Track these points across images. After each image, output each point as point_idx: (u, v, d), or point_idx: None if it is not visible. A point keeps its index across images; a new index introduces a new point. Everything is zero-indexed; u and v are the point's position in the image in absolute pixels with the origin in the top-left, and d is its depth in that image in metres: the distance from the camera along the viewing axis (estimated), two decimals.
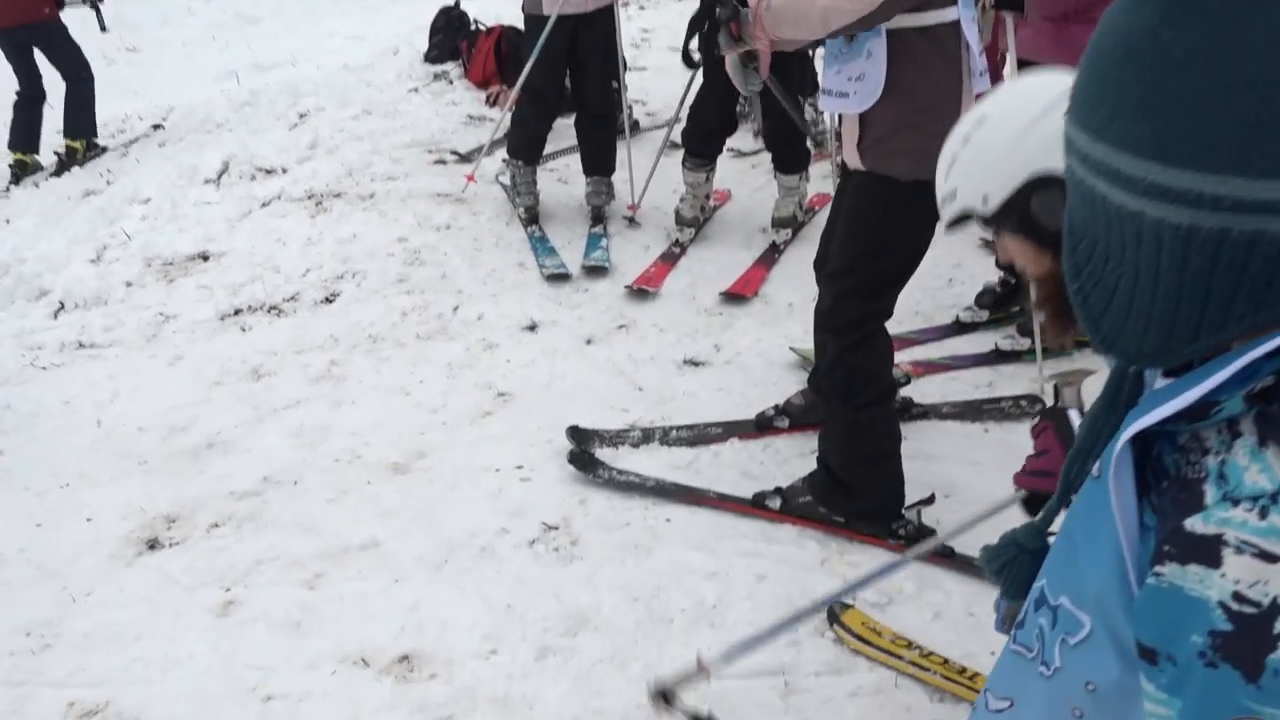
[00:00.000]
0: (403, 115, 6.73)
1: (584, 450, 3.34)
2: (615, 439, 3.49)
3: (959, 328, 4.20)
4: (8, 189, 6.14)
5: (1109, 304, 0.87)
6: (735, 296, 4.50)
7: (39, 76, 6.31)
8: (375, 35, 8.98)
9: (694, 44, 6.37)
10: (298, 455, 3.51)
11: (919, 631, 2.63)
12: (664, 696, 2.19)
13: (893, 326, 4.09)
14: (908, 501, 2.98)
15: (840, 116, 2.90)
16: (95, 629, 2.77)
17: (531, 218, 5.19)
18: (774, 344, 4.14)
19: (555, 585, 2.84)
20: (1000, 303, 4.21)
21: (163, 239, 5.18)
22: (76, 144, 6.34)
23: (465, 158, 6.07)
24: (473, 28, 7.80)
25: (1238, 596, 0.76)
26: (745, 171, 5.86)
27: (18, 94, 6.31)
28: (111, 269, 4.92)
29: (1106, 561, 0.92)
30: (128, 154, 6.28)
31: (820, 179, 5.39)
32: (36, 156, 6.36)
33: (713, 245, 5.00)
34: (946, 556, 2.88)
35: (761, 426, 3.51)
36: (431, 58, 7.92)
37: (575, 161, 5.44)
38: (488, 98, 7.11)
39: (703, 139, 4.92)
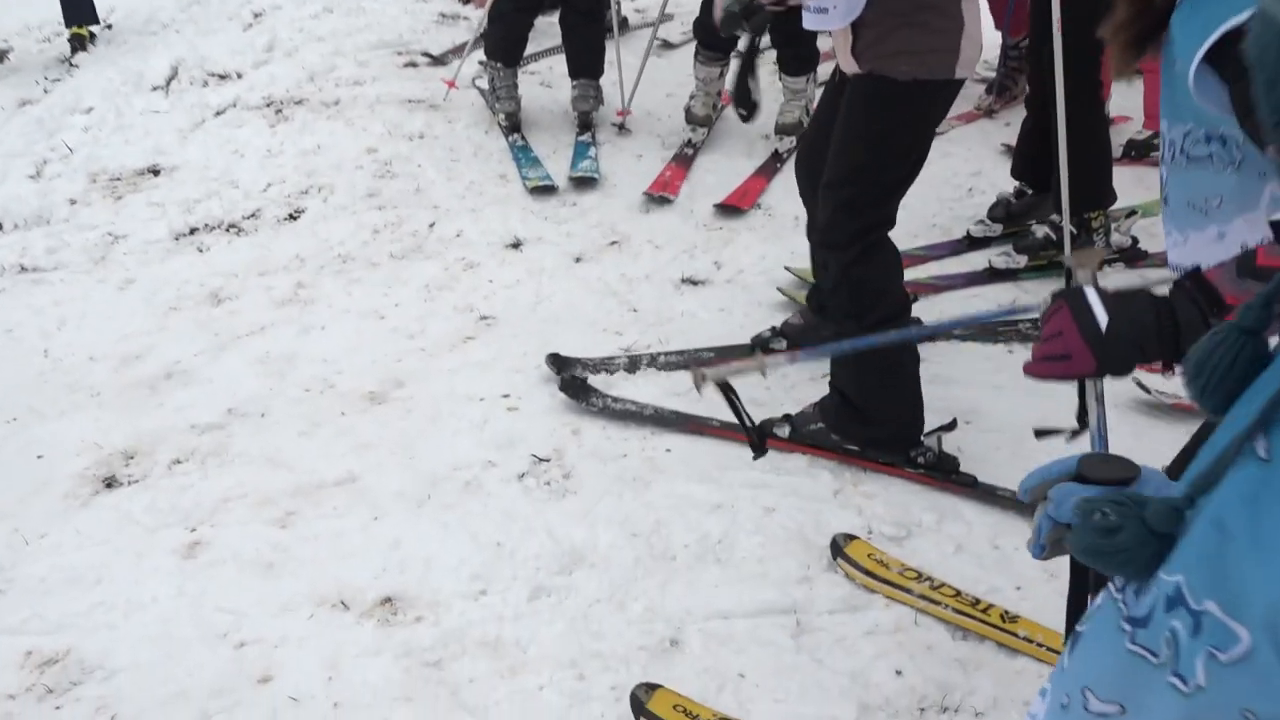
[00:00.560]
0: (368, 13, 6.58)
1: (575, 377, 3.31)
2: (599, 367, 3.46)
3: (970, 243, 4.17)
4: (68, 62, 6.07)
5: None
6: (730, 209, 4.45)
7: None
8: None
9: None
10: (264, 385, 3.49)
11: (939, 566, 2.64)
12: (722, 386, 2.06)
13: (898, 243, 4.11)
14: (927, 427, 2.97)
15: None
16: (51, 573, 2.76)
17: (513, 125, 5.10)
18: (779, 260, 4.10)
19: (547, 521, 2.84)
20: (1015, 216, 4.17)
21: (108, 152, 5.10)
22: (83, 30, 6.21)
23: (438, 60, 5.96)
24: None
25: None
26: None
27: None
28: (53, 185, 4.83)
29: None
30: (69, 61, 6.14)
31: None
32: (94, 27, 6.27)
33: (713, 152, 4.94)
34: (968, 485, 2.89)
35: (759, 349, 3.50)
36: None
37: (560, 63, 5.34)
38: None
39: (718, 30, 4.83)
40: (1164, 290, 1.49)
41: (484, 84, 5.38)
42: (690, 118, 4.99)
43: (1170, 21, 1.52)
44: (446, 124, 5.23)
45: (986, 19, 3.75)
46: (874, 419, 2.94)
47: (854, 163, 2.82)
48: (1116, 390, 3.18)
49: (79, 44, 6.18)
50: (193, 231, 4.48)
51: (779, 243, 4.22)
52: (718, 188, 4.61)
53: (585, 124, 5.13)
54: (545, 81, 5.71)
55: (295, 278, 4.10)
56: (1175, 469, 1.64)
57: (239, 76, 5.80)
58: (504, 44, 5.06)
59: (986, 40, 3.00)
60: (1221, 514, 0.90)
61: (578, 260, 4.16)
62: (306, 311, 3.90)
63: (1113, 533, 0.99)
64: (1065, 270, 1.65)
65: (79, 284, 4.16)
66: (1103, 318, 1.48)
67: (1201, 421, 1.72)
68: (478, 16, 5.74)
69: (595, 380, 3.39)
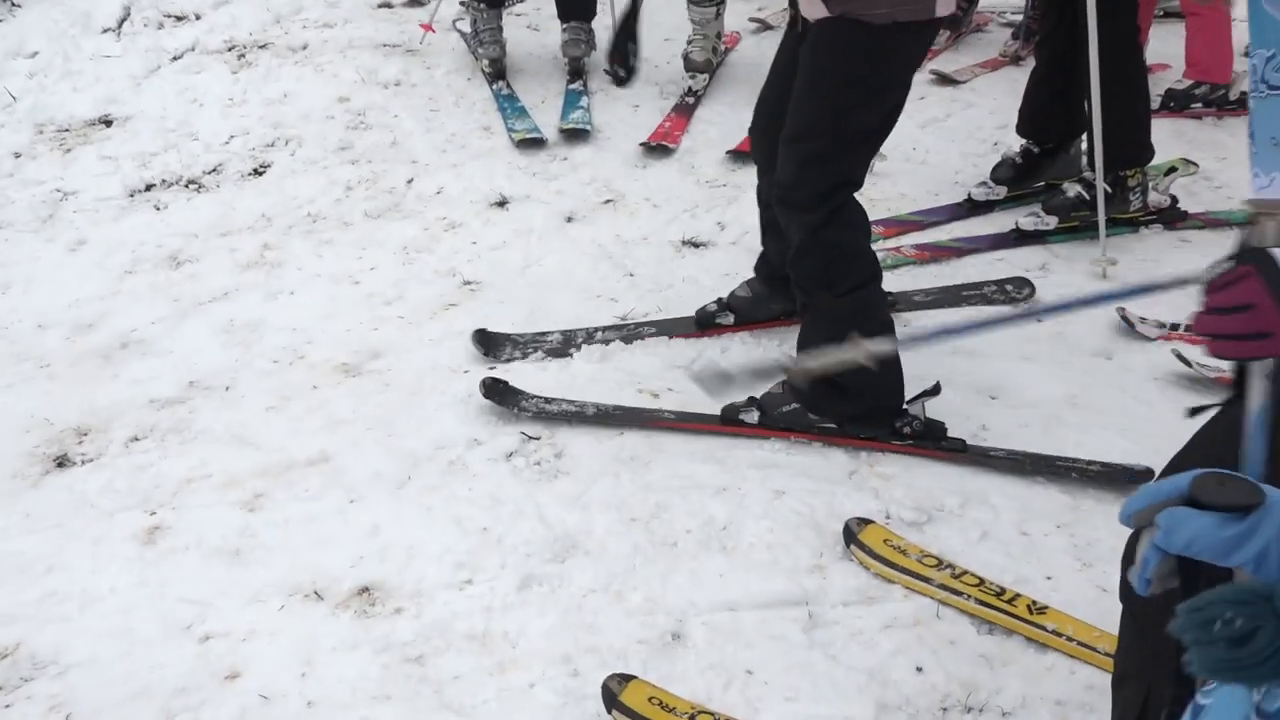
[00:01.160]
0: None
1: (497, 381, 3.21)
2: (531, 344, 3.44)
3: (971, 207, 4.15)
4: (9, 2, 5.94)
5: None
6: (745, 155, 4.42)
7: None
8: None
9: None
10: (229, 356, 3.47)
11: (962, 554, 2.64)
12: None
13: (891, 207, 4.11)
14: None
15: None
16: None
17: (497, 72, 5.06)
18: None
19: (538, 505, 2.83)
20: (1021, 177, 4.15)
21: (55, 100, 5.05)
22: None
23: (416, 0, 5.91)
24: None
25: None
26: (754, 12, 5.73)
27: None
28: None
29: None
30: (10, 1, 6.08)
31: None
32: None
33: (716, 101, 4.91)
34: (957, 451, 2.91)
35: (703, 325, 3.46)
36: None
37: (548, 4, 5.29)
38: None
39: None
40: None
41: (465, 27, 5.34)
42: (689, 64, 4.95)
43: None
44: (425, 70, 5.19)
45: None
46: (852, 392, 2.92)
47: (823, 113, 2.76)
48: (1155, 363, 3.19)
49: None
50: (149, 188, 4.45)
51: None
52: (721, 140, 4.58)
53: (576, 71, 5.09)
54: (533, 24, 5.66)
55: (261, 239, 4.07)
56: (1186, 459, 1.58)
57: (197, 18, 5.75)
58: None
59: None
60: None
61: (569, 220, 4.14)
62: (274, 275, 3.87)
63: (1245, 641, 0.87)
64: (1245, 223, 1.50)
65: (25, 245, 4.13)
66: None
67: (1218, 407, 1.66)
68: None
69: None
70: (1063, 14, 3.82)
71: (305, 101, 4.95)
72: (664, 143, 4.56)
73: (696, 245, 3.97)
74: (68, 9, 5.77)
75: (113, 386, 3.36)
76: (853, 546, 2.65)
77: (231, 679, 2.41)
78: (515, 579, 2.62)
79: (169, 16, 5.77)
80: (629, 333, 3.47)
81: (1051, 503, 2.78)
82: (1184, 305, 3.46)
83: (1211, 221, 3.94)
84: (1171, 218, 3.93)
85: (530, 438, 3.06)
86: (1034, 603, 2.47)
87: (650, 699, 2.26)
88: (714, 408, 3.03)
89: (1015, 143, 4.21)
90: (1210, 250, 3.68)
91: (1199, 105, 4.68)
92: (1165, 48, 4.95)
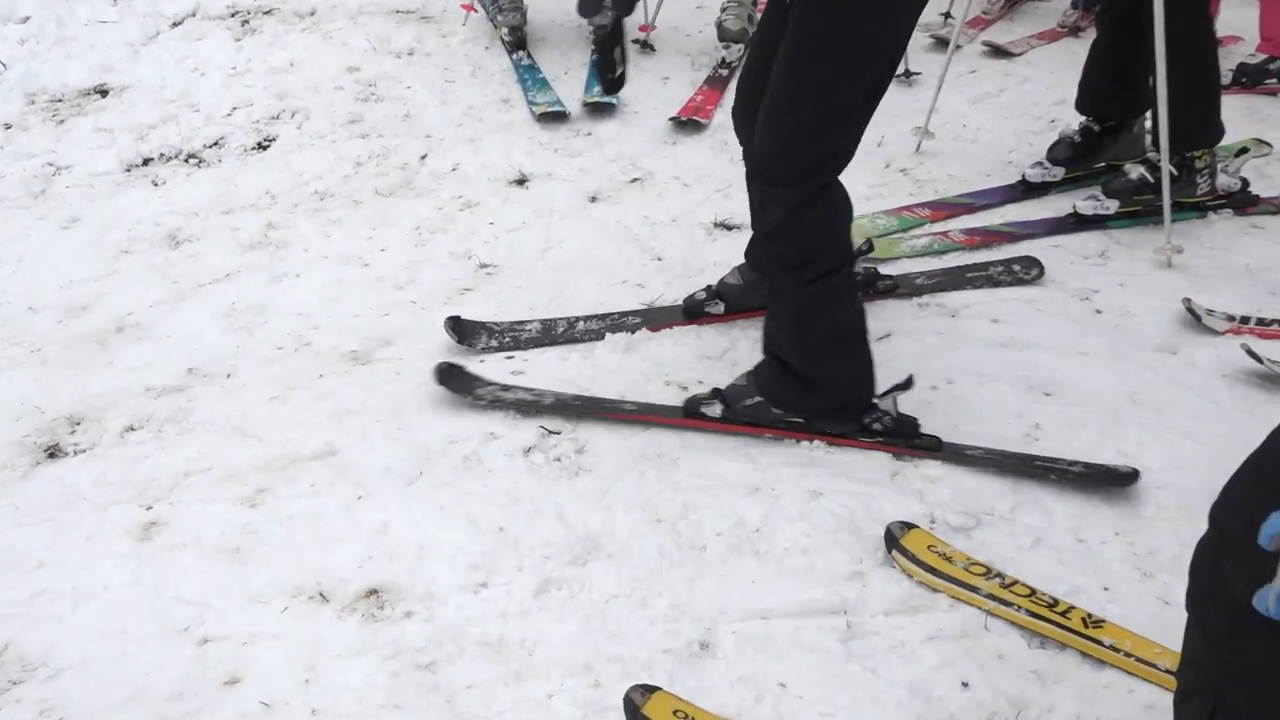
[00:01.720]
0: None
1: (453, 367, 3.23)
2: (509, 335, 3.45)
3: (1025, 189, 4.14)
4: None
5: None
6: None
7: None
8: None
9: None
10: (230, 341, 3.49)
11: (1012, 562, 2.63)
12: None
13: (939, 188, 4.09)
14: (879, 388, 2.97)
15: None
16: None
17: (517, 41, 5.07)
18: None
19: (558, 503, 2.83)
20: (1080, 157, 4.12)
21: (48, 68, 5.09)
22: None
23: None
24: None
25: None
26: None
27: None
28: None
29: None
30: None
31: None
32: None
33: None
34: (932, 450, 2.92)
35: (691, 314, 3.48)
36: None
37: None
38: None
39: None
40: None
41: None
42: (723, 33, 4.96)
43: None
44: (440, 38, 5.20)
45: None
46: (822, 386, 2.92)
47: (810, 82, 2.73)
48: (1225, 358, 3.17)
49: None
50: (146, 162, 4.48)
51: None
52: None
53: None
54: None
55: (265, 217, 4.10)
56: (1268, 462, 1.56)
57: None
58: None
59: None
60: None
61: (593, 200, 4.14)
62: (278, 257, 3.89)
63: None
64: None
65: (15, 221, 4.17)
66: None
67: None
68: None
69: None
70: None
71: (312, 71, 4.97)
72: (695, 118, 4.56)
73: (729, 227, 3.96)
74: None
75: (107, 373, 3.38)
76: (894, 552, 2.64)
77: (231, 684, 2.42)
78: (533, 582, 2.62)
79: None
80: (613, 322, 3.48)
81: (1110, 508, 2.76)
82: (1254, 297, 3.44)
83: None
84: (1242, 202, 3.91)
85: (550, 432, 3.06)
86: (1089, 615, 2.45)
87: (675, 712, 2.26)
88: (677, 400, 3.07)
89: (1074, 120, 4.19)
90: None
91: (1273, 81, 4.64)
92: (1238, 19, 4.92)
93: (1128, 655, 2.36)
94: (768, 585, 2.59)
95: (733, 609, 2.54)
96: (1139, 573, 2.58)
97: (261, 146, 4.54)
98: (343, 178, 4.30)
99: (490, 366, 3.30)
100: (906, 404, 3.04)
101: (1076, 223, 3.88)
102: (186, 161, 4.47)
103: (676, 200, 4.11)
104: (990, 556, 2.63)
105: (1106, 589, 2.55)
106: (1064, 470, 2.84)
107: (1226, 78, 4.34)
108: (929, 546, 2.64)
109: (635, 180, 4.24)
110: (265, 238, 3.99)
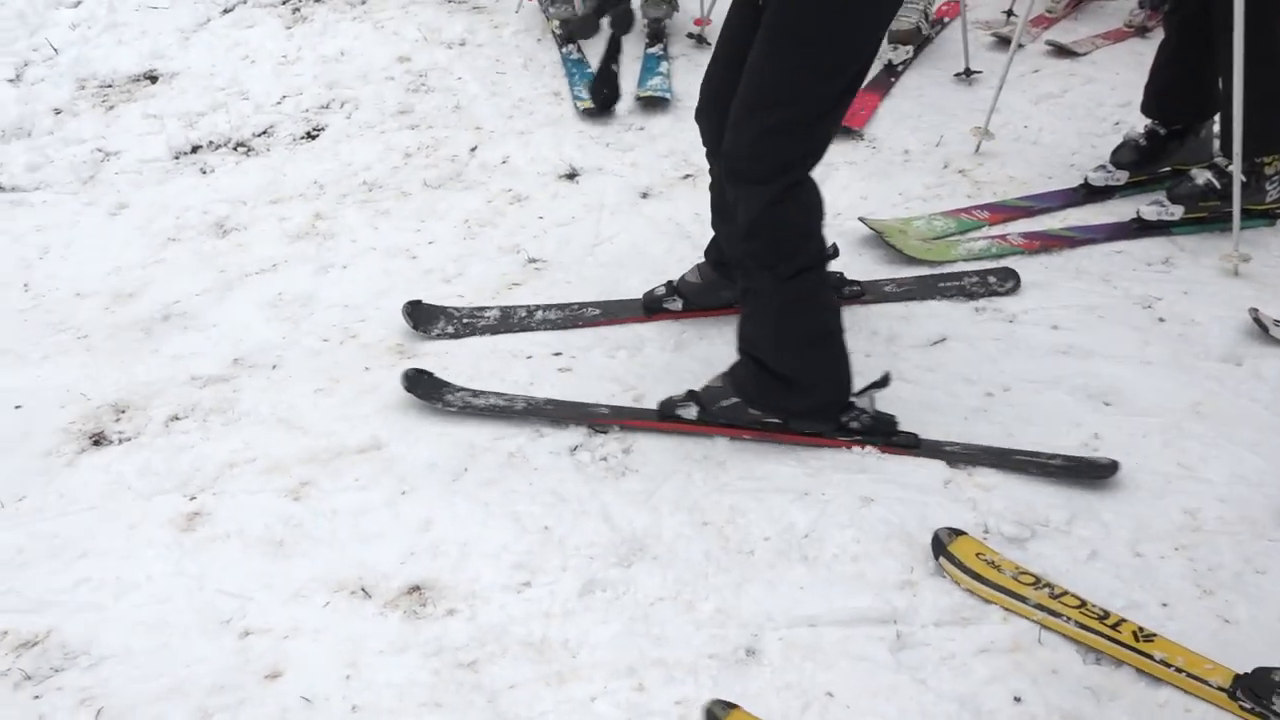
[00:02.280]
0: None
1: (422, 373, 3.25)
2: (467, 319, 3.49)
3: (1087, 193, 4.09)
4: None
5: None
6: (839, 129, 4.41)
7: None
8: None
9: None
10: (276, 332, 3.52)
11: (1068, 575, 2.60)
12: None
13: (998, 190, 4.05)
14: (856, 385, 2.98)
15: None
16: (30, 542, 2.81)
17: (569, 34, 5.07)
18: (883, 202, 4.06)
19: (604, 504, 2.84)
20: (1145, 160, 4.07)
21: (99, 54, 5.14)
22: None
23: None
24: None
25: None
26: None
27: None
28: (35, 91, 4.89)
29: None
30: None
31: None
32: None
33: None
34: (910, 447, 2.93)
35: (650, 309, 3.51)
36: None
37: None
38: None
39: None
40: None
41: None
42: None
43: None
44: (492, 29, 5.22)
45: None
46: (799, 386, 2.93)
47: (784, 78, 2.72)
48: None
49: None
50: (195, 150, 4.52)
51: (884, 180, 4.17)
52: None
53: (656, 34, 5.09)
54: None
55: (313, 207, 4.12)
56: None
57: None
58: None
59: None
60: None
61: (644, 195, 4.14)
62: (325, 247, 3.92)
63: None
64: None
65: (64, 207, 4.22)
66: None
67: None
68: None
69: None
70: None
71: (363, 60, 4.99)
72: None
73: None
74: None
75: (153, 361, 3.42)
76: (941, 559, 2.63)
77: (272, 678, 2.44)
78: (577, 583, 2.63)
79: None
80: (571, 314, 3.53)
81: (1169, 522, 2.73)
82: None
83: None
84: None
85: (597, 431, 3.06)
86: (1140, 629, 2.43)
87: None
88: (652, 402, 3.09)
89: (1139, 123, 4.15)
90: None
91: None
92: None
93: (1179, 670, 2.34)
94: (816, 592, 2.58)
95: (780, 615, 2.53)
96: (1199, 589, 2.55)
97: (310, 136, 4.57)
98: (392, 169, 4.32)
99: (537, 364, 3.31)
100: (963, 412, 3.03)
101: (1140, 228, 3.83)
102: (235, 150, 4.51)
103: None
104: (1045, 569, 2.61)
105: (1165, 605, 2.52)
106: (1044, 463, 2.87)
107: None
108: (977, 554, 2.62)
109: (687, 176, 4.23)
110: (313, 228, 4.02)
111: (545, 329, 3.47)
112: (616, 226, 3.96)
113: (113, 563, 2.74)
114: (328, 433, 3.11)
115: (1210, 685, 2.29)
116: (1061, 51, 5.08)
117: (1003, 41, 5.07)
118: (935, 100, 4.77)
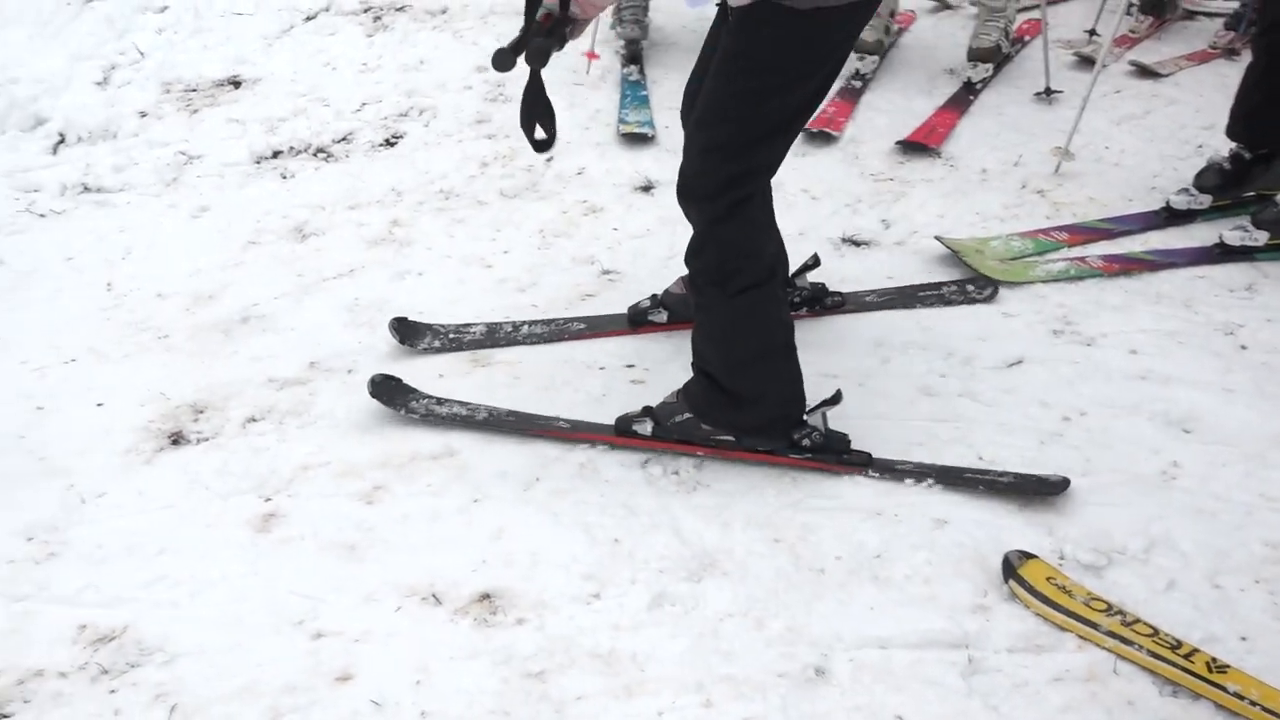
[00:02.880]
0: None
1: (388, 378, 3.26)
2: (452, 336, 3.50)
3: (1169, 216, 4.04)
4: None
5: None
6: (914, 147, 4.39)
7: None
8: None
9: None
10: (352, 337, 3.55)
11: (1145, 605, 2.56)
12: None
13: (1078, 212, 4.00)
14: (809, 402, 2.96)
15: None
16: (109, 538, 2.85)
17: (632, 55, 5.07)
18: (959, 221, 4.03)
19: (675, 518, 2.83)
20: (1229, 185, 4.01)
21: (184, 58, 5.22)
22: None
23: None
24: None
25: None
26: None
27: None
28: (122, 94, 4.98)
29: None
30: None
31: None
32: None
33: (885, 87, 4.86)
34: (862, 465, 2.92)
35: (635, 322, 3.52)
36: None
37: None
38: None
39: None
40: None
41: None
42: (857, 45, 4.90)
43: None
44: (571, 42, 5.21)
45: None
46: (750, 402, 2.92)
47: (732, 99, 2.72)
48: None
49: None
50: (276, 155, 4.57)
51: (961, 199, 4.13)
52: (890, 130, 4.53)
53: (633, 56, 5.10)
54: None
55: (390, 214, 4.16)
56: None
57: None
58: None
59: None
60: None
61: None
62: (402, 254, 3.95)
63: None
64: None
65: (147, 208, 4.29)
66: None
67: None
68: None
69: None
70: None
71: (442, 69, 5.03)
72: (826, 129, 4.54)
73: (858, 244, 3.93)
74: None
75: (231, 362, 3.46)
76: (1011, 582, 2.60)
77: (343, 681, 2.46)
78: (646, 596, 2.62)
79: None
80: (557, 328, 3.53)
81: (1249, 554, 2.68)
82: None
83: None
84: None
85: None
86: (1214, 660, 2.39)
87: None
88: (610, 418, 3.07)
89: (1224, 146, 4.09)
90: None
91: None
92: None
93: (1253, 704, 2.30)
94: (887, 613, 2.56)
95: (850, 635, 2.52)
96: None
97: (389, 143, 4.61)
98: (468, 178, 4.35)
99: (609, 374, 3.31)
100: (1040, 436, 3.00)
101: (1222, 253, 3.78)
102: (315, 155, 4.56)
103: (804, 213, 4.08)
104: (1122, 598, 2.57)
105: (1244, 639, 2.48)
106: (992, 481, 2.86)
107: None
108: (1048, 579, 2.59)
109: None
110: (390, 234, 4.06)
111: (532, 343, 3.49)
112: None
113: (189, 561, 2.78)
114: (402, 438, 3.12)
115: None
116: (1144, 72, 5.02)
117: (1084, 61, 5.02)
118: (1014, 119, 4.73)
